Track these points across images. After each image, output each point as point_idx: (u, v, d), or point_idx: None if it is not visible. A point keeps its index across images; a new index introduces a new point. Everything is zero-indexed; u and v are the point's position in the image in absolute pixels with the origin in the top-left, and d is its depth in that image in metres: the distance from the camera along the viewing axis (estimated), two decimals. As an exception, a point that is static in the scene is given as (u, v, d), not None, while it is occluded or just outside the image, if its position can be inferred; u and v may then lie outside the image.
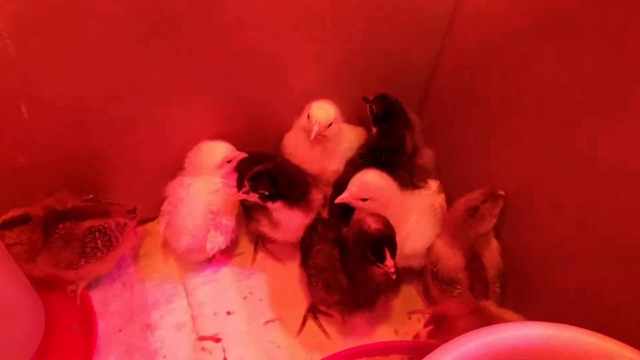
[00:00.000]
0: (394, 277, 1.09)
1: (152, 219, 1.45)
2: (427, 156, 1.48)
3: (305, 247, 1.27)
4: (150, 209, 1.39)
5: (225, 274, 1.42)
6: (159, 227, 1.34)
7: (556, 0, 1.01)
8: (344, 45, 1.31)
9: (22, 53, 1.00)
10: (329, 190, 1.43)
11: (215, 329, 1.31)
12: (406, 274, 1.37)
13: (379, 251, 1.06)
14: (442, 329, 1.07)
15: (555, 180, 1.09)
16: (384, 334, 1.33)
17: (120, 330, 1.29)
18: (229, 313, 1.35)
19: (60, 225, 1.18)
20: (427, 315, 1.29)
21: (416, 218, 1.30)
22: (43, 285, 1.23)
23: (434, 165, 1.48)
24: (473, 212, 1.20)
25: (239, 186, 1.37)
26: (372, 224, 1.10)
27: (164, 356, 1.26)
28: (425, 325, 1.09)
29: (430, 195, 1.36)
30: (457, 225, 1.23)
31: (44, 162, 1.21)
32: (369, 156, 1.38)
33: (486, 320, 1.03)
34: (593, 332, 0.84)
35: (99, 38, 1.04)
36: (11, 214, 1.14)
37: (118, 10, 1.01)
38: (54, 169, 1.23)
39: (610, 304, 1.00)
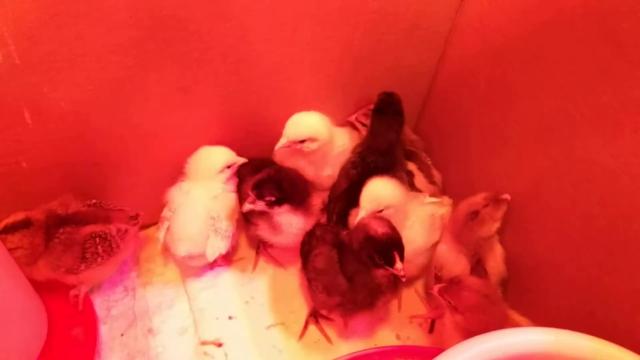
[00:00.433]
0: (404, 279, 1.10)
1: (154, 224, 1.45)
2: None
3: (305, 251, 1.27)
4: (151, 213, 1.39)
5: (227, 279, 1.42)
6: (158, 234, 1.33)
7: (557, 7, 1.02)
8: (344, 52, 1.31)
9: (25, 59, 1.00)
10: (325, 195, 1.43)
11: (217, 333, 1.31)
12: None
13: (388, 255, 1.07)
14: (450, 291, 1.09)
15: (558, 185, 1.10)
16: (386, 338, 1.33)
17: (122, 335, 1.30)
18: (230, 318, 1.35)
19: (61, 230, 1.18)
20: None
21: (411, 223, 1.30)
22: (45, 290, 1.23)
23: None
24: (474, 215, 1.20)
25: (239, 192, 1.38)
26: (379, 229, 1.09)
27: (166, 360, 1.26)
28: (444, 295, 1.10)
29: (433, 205, 1.36)
30: (459, 229, 1.23)
31: (45, 168, 1.21)
32: (362, 163, 1.37)
33: (491, 313, 1.04)
34: (595, 338, 0.85)
35: (102, 45, 1.04)
36: (13, 218, 1.14)
37: (122, 17, 1.01)
38: (55, 174, 1.23)
39: (613, 310, 1.00)
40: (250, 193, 1.23)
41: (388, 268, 1.08)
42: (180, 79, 1.18)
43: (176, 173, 1.36)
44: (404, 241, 1.09)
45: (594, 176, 1.01)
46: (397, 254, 1.06)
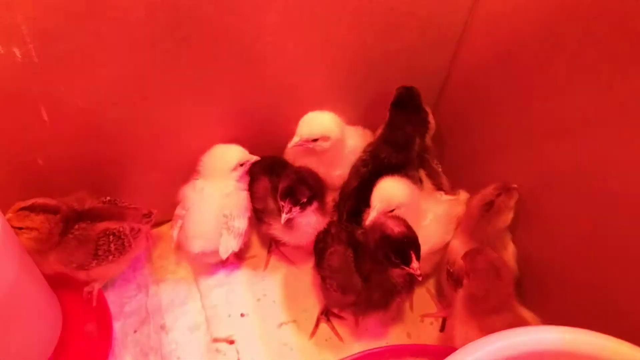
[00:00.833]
0: (420, 278, 1.10)
1: (167, 222, 1.46)
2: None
3: (320, 249, 1.27)
4: (164, 211, 1.40)
5: (239, 276, 1.43)
6: (172, 232, 1.34)
7: (569, 6, 1.02)
8: (358, 51, 1.32)
9: (44, 58, 1.01)
10: (336, 194, 1.44)
11: (229, 330, 1.32)
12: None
13: (404, 254, 1.07)
14: (469, 254, 1.13)
15: (572, 184, 1.09)
16: (397, 336, 1.34)
17: (135, 332, 1.31)
18: (242, 315, 1.36)
19: (77, 226, 1.19)
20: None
21: (428, 222, 1.30)
22: (60, 287, 1.24)
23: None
24: (489, 206, 1.20)
25: (251, 190, 1.39)
26: (395, 228, 1.10)
27: (178, 357, 1.27)
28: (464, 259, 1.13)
29: (451, 202, 1.36)
30: (474, 223, 1.23)
31: (61, 165, 1.22)
32: (372, 161, 1.37)
33: (494, 285, 1.07)
34: (610, 337, 0.84)
35: (118, 43, 1.05)
36: (44, 200, 1.14)
37: (139, 15, 1.02)
38: (70, 171, 1.24)
39: (626, 309, 1.00)
40: (283, 204, 1.22)
41: (404, 267, 1.08)
42: (195, 78, 1.19)
43: (189, 171, 1.37)
44: (421, 240, 1.09)
45: (608, 175, 1.00)
46: (413, 253, 1.07)
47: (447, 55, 1.42)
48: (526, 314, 1.10)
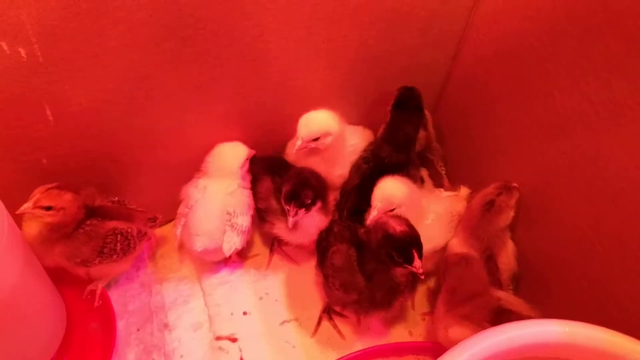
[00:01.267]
0: (422, 277, 1.11)
1: (170, 221, 1.47)
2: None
3: (322, 247, 1.28)
4: (167, 210, 1.41)
5: (242, 275, 1.44)
6: (175, 230, 1.35)
7: (572, 4, 1.03)
8: (359, 50, 1.32)
9: (48, 57, 1.02)
10: (337, 194, 1.44)
11: (232, 328, 1.33)
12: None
13: (406, 253, 1.07)
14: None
15: (572, 182, 1.10)
16: (399, 334, 1.34)
17: (138, 330, 1.31)
18: (245, 313, 1.36)
19: (88, 222, 1.19)
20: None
21: (430, 222, 1.31)
22: (64, 285, 1.25)
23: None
24: (490, 206, 1.21)
25: (254, 190, 1.39)
26: (397, 227, 1.10)
27: (181, 356, 1.28)
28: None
29: (452, 200, 1.37)
30: (475, 222, 1.24)
31: (65, 164, 1.23)
32: (374, 159, 1.38)
33: (467, 272, 1.15)
34: (609, 330, 0.85)
35: (122, 43, 1.06)
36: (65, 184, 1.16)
37: (143, 15, 1.03)
38: (74, 170, 1.24)
39: (625, 305, 1.01)
40: (288, 208, 1.23)
41: (407, 266, 1.09)
42: (198, 77, 1.20)
43: (192, 170, 1.38)
44: (423, 239, 1.10)
45: (608, 174, 1.01)
46: (415, 251, 1.07)
47: (448, 55, 1.43)
48: (502, 294, 1.14)
